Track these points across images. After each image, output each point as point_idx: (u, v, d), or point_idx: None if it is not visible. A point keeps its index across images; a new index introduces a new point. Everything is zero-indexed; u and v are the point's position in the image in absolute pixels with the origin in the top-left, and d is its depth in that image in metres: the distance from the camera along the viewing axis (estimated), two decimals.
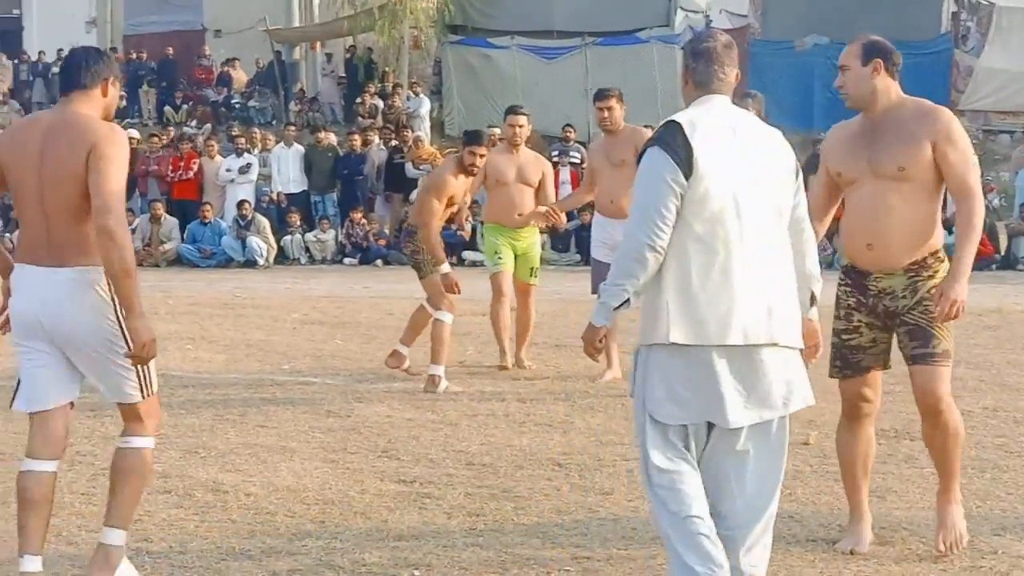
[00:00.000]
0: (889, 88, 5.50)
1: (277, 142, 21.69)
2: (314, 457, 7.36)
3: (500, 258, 10.46)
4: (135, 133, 22.42)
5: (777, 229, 4.58)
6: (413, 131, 22.79)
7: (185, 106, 32.65)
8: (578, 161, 21.98)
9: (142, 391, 5.06)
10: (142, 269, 19.41)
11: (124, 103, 32.39)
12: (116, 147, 4.86)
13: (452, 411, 8.65)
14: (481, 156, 9.65)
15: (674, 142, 4.45)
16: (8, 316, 5.13)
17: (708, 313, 4.44)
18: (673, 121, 4.51)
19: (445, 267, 9.61)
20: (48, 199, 4.90)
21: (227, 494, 6.58)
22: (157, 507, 6.35)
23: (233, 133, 23.25)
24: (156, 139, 21.76)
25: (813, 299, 4.83)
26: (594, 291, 10.20)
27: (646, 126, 23.58)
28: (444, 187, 9.64)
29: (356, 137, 20.89)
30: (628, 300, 4.50)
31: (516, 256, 10.51)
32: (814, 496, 6.53)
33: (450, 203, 9.81)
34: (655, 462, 4.50)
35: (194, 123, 30.70)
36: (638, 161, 4.58)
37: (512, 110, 10.70)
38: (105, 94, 5.04)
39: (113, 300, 4.87)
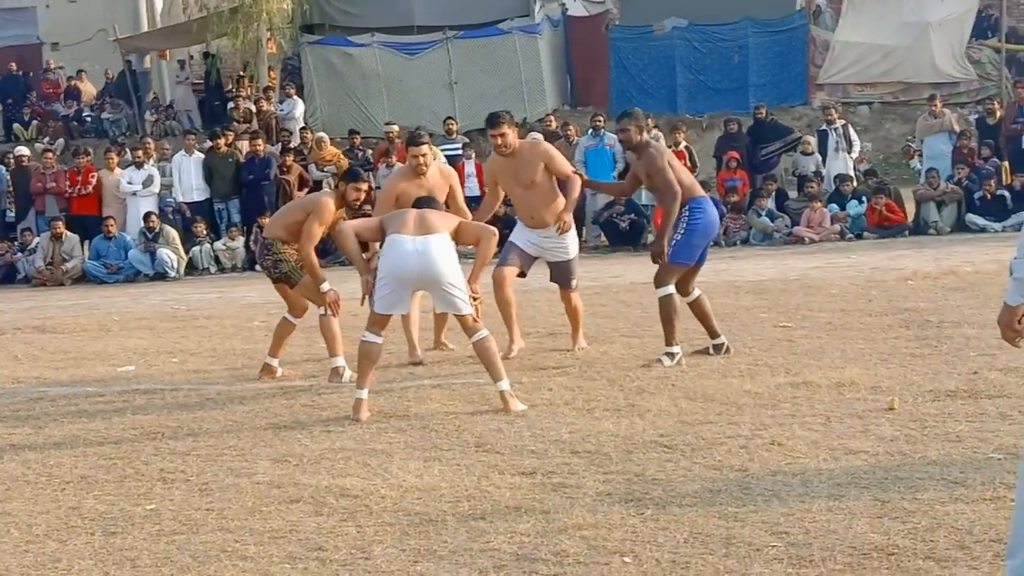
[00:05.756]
0: None
1: (175, 151, 21.19)
2: (412, 457, 7.25)
3: None
4: (25, 150, 21.69)
5: None
6: (315, 133, 22.48)
7: (35, 122, 31.74)
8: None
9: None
10: (46, 289, 19.05)
11: None
12: None
13: None
14: (366, 191, 9.99)
15: None
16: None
17: None
18: None
19: (326, 285, 9.81)
20: None
21: (358, 498, 6.44)
22: (298, 517, 6.20)
23: (121, 143, 22.69)
24: (49, 155, 21.03)
25: None
26: (500, 264, 10.20)
27: (522, 125, 23.77)
28: (325, 213, 9.75)
29: (259, 142, 20.50)
30: None
31: None
32: (947, 455, 6.63)
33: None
34: None
35: (46, 139, 29.84)
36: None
37: (413, 141, 10.40)
38: None
39: None
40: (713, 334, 10.00)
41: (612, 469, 6.74)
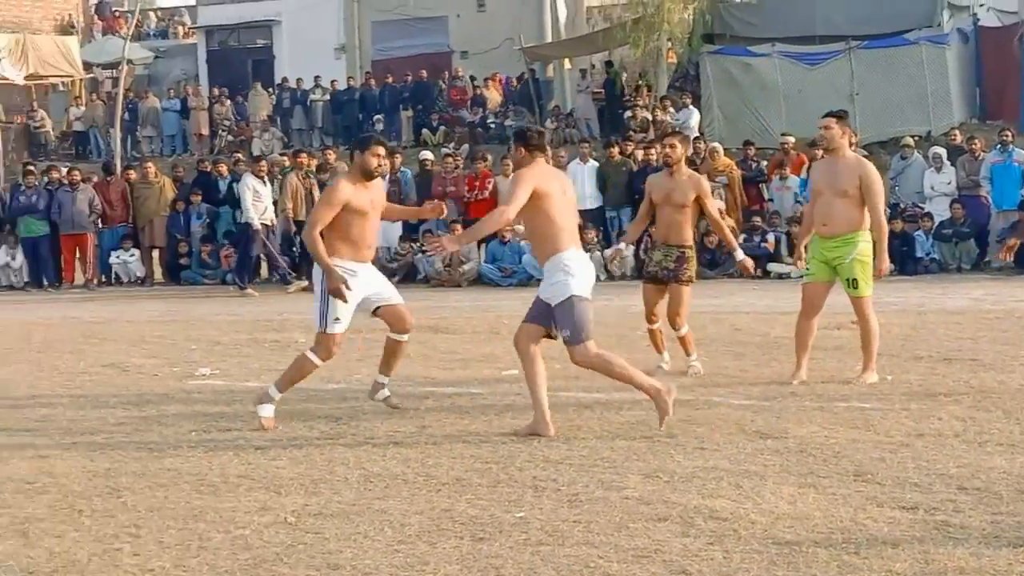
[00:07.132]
0: None
1: (571, 159, 21.53)
2: (787, 482, 6.99)
3: (808, 270, 10.27)
4: (429, 155, 22.52)
5: None
6: (706, 143, 22.34)
7: (442, 128, 32.88)
8: None
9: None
10: (444, 290, 19.62)
11: (381, 127, 32.77)
12: None
13: (893, 430, 8.20)
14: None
15: None
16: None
17: None
18: None
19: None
20: None
21: (727, 521, 6.25)
22: (664, 536, 6.06)
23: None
24: (450, 160, 21.73)
25: None
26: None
27: (914, 137, 22.89)
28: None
29: (654, 150, 20.50)
30: None
31: (835, 268, 10.04)
32: None
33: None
34: None
35: (451, 145, 30.79)
36: None
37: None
38: None
39: None
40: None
41: (1002, 510, 6.30)
